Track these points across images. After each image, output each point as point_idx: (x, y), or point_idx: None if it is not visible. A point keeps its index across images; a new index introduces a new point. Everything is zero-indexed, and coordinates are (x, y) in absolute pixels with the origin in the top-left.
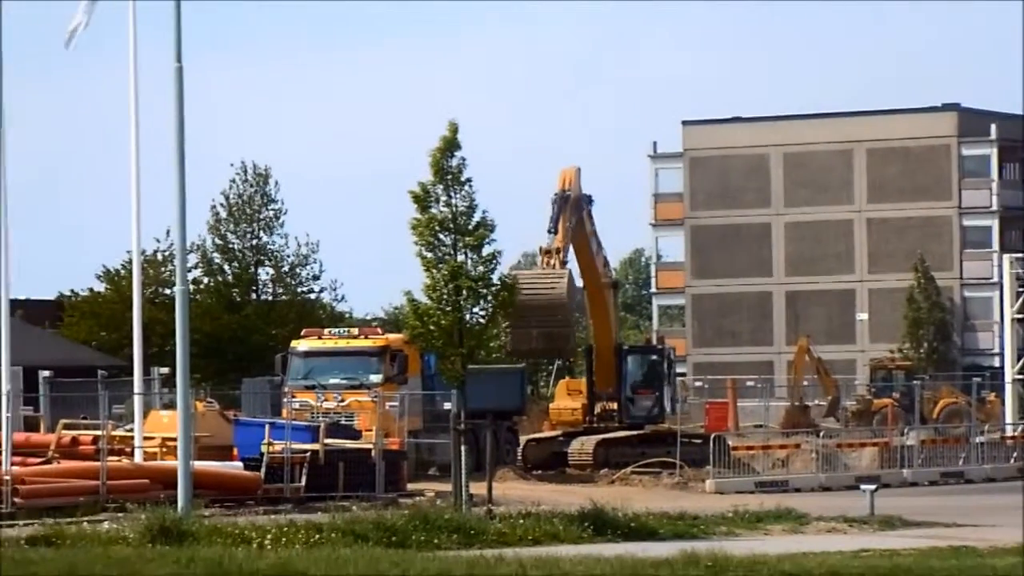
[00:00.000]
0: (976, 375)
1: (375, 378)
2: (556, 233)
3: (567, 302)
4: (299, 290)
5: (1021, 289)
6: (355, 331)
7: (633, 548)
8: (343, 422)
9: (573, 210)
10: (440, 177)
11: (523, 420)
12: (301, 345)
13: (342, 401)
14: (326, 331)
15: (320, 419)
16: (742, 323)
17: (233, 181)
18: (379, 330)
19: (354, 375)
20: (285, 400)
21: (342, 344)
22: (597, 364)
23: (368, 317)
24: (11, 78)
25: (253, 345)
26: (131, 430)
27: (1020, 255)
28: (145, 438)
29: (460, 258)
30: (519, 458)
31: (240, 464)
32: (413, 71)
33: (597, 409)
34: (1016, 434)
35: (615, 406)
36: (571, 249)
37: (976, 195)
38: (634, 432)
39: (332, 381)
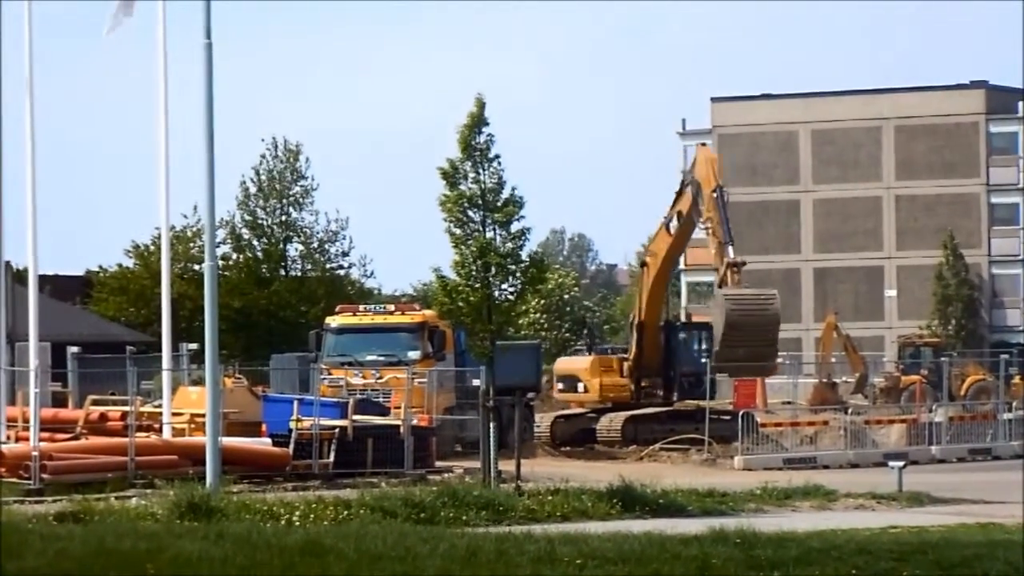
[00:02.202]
0: (1004, 352)
1: (413, 355)
2: (732, 243)
3: (780, 322)
4: (328, 266)
5: None
6: (391, 307)
7: (662, 524)
8: (377, 399)
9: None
10: (468, 154)
11: (542, 395)
12: (336, 321)
13: (380, 378)
14: (361, 307)
15: (356, 395)
16: None
17: (263, 157)
18: (416, 306)
19: (391, 352)
20: (321, 376)
21: (379, 320)
22: (647, 340)
23: (397, 293)
24: (41, 54)
25: (282, 321)
26: (159, 406)
27: None
28: (173, 414)
29: (489, 235)
30: (535, 435)
31: (268, 440)
32: (443, 47)
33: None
34: None
35: (653, 382)
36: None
37: (1004, 172)
38: (663, 408)
39: (369, 358)
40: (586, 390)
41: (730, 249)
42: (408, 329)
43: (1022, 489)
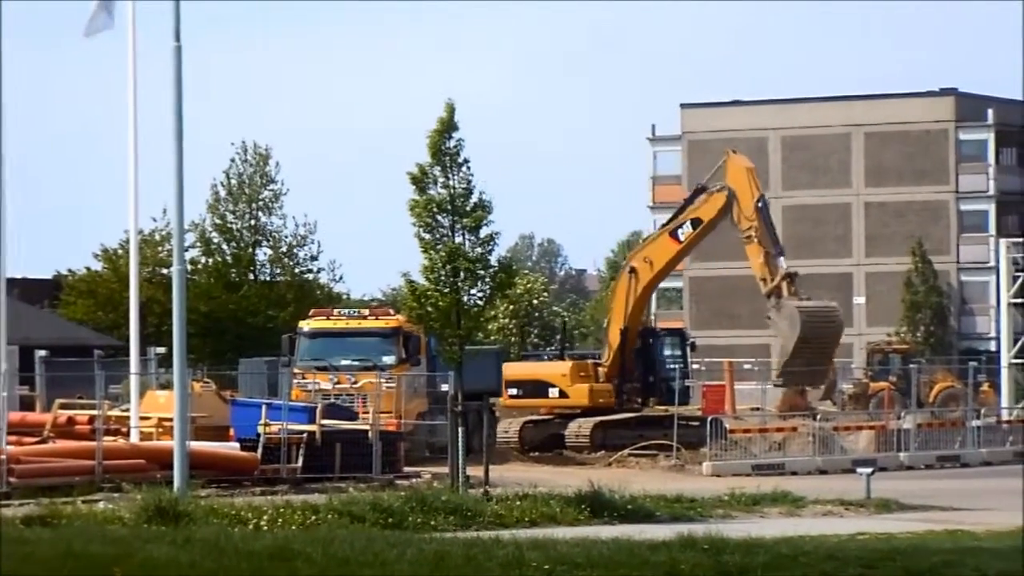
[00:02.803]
0: (973, 359)
1: (388, 359)
2: (783, 253)
3: (842, 333)
4: (297, 271)
5: (1017, 273)
6: (366, 312)
7: (630, 530)
8: (350, 404)
9: None
10: (438, 158)
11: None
12: (309, 325)
13: (355, 382)
14: (335, 311)
15: (331, 399)
16: (740, 306)
17: (233, 160)
18: (391, 311)
19: (366, 356)
20: (295, 381)
21: (353, 325)
22: (630, 347)
23: (366, 298)
24: (11, 56)
25: (251, 325)
26: (127, 410)
27: (1016, 239)
28: (141, 418)
29: (458, 239)
30: (498, 440)
31: (236, 444)
32: (413, 50)
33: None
34: (1012, 418)
35: (632, 387)
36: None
37: (973, 179)
38: (632, 414)
39: (344, 362)
40: (563, 395)
41: (782, 260)
42: (383, 334)
43: (1023, 495)
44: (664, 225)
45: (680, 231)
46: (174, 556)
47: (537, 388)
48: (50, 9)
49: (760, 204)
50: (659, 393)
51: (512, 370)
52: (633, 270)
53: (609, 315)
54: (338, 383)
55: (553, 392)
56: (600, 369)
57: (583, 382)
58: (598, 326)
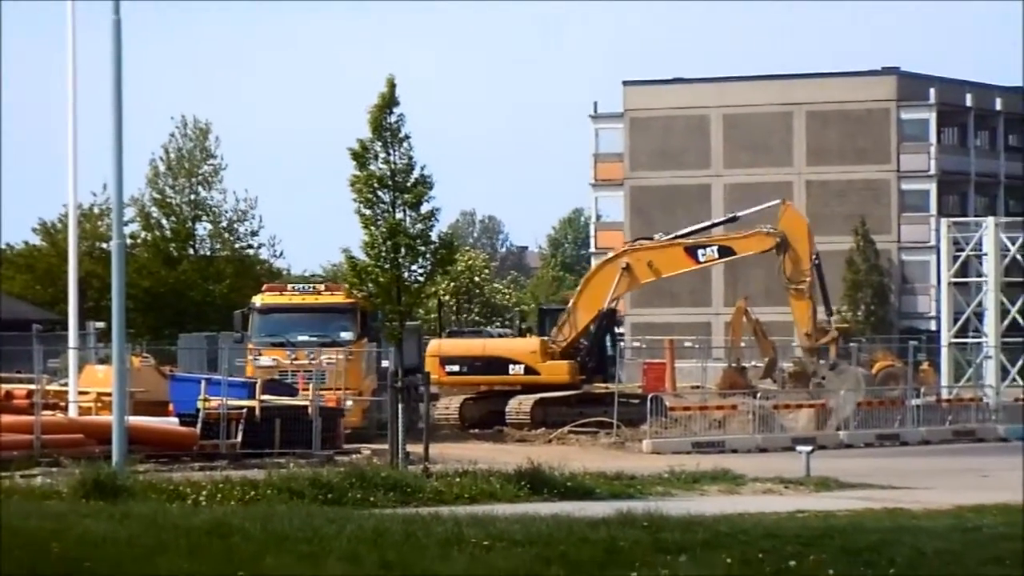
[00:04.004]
0: (913, 338)
1: (346, 335)
2: (833, 313)
3: None
4: (237, 246)
5: (958, 253)
6: (320, 287)
7: (569, 507)
8: (293, 381)
9: None
10: (379, 134)
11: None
12: (263, 301)
13: (315, 359)
14: (289, 287)
15: (289, 376)
16: (680, 284)
17: (172, 135)
18: (344, 286)
19: (323, 332)
20: (251, 357)
21: (309, 300)
22: (600, 328)
23: (306, 274)
24: None
25: (190, 300)
26: (66, 384)
27: (957, 219)
28: (80, 393)
29: (399, 215)
30: (437, 417)
31: (176, 420)
32: (353, 26)
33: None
34: (951, 397)
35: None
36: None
37: (914, 159)
38: (572, 391)
39: (300, 338)
40: (530, 372)
41: (833, 320)
42: (341, 309)
43: (1022, 473)
44: (677, 236)
45: (701, 252)
46: (112, 531)
47: (490, 365)
48: None
49: (817, 261)
50: (609, 370)
51: (453, 347)
52: (628, 267)
53: (578, 298)
54: (296, 359)
55: (516, 369)
56: (554, 346)
57: (556, 359)
58: (539, 303)
